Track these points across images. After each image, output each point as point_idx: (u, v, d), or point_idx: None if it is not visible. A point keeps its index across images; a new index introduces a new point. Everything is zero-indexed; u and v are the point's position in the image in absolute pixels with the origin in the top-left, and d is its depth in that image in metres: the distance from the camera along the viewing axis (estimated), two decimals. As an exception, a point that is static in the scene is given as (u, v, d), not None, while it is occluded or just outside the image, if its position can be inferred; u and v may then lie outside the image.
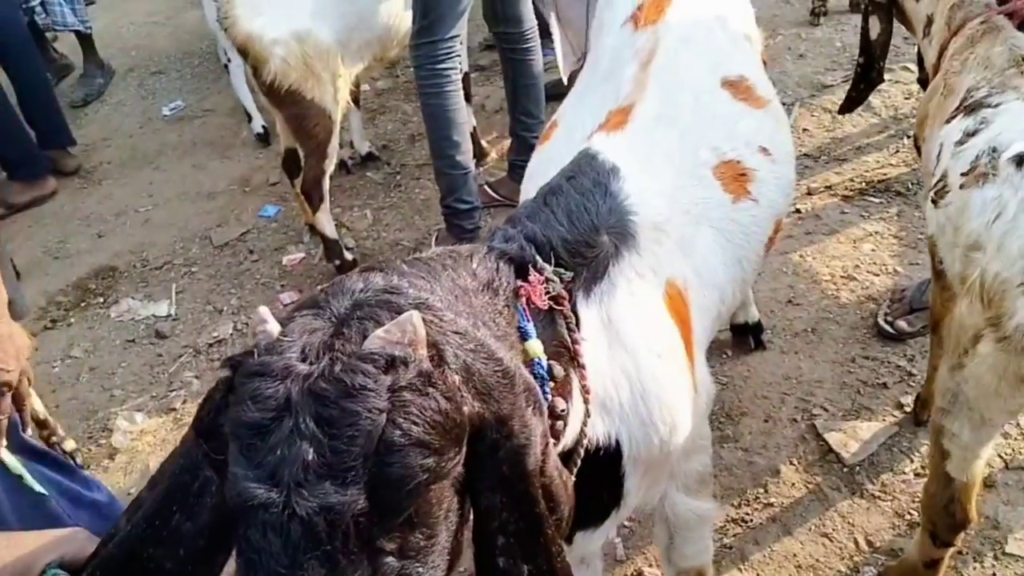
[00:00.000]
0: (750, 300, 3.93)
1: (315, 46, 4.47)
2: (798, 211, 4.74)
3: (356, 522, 1.17)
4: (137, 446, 4.20)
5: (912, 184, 4.80)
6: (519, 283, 1.70)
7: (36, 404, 3.78)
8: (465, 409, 1.29)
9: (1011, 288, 2.13)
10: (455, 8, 4.34)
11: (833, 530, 3.26)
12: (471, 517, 1.40)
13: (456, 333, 1.36)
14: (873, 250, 4.46)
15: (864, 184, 4.90)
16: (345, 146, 5.82)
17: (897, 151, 5.11)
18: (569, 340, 1.77)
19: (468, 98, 5.27)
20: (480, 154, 5.69)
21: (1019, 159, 2.20)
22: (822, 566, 3.16)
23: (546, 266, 1.79)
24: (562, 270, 1.82)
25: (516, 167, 5.20)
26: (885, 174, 4.93)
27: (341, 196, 5.70)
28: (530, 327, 1.66)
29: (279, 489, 1.16)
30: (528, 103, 5.10)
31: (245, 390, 1.22)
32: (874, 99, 5.28)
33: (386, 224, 5.49)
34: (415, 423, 1.20)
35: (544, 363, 1.65)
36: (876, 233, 4.56)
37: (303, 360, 1.23)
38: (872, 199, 4.79)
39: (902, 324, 3.92)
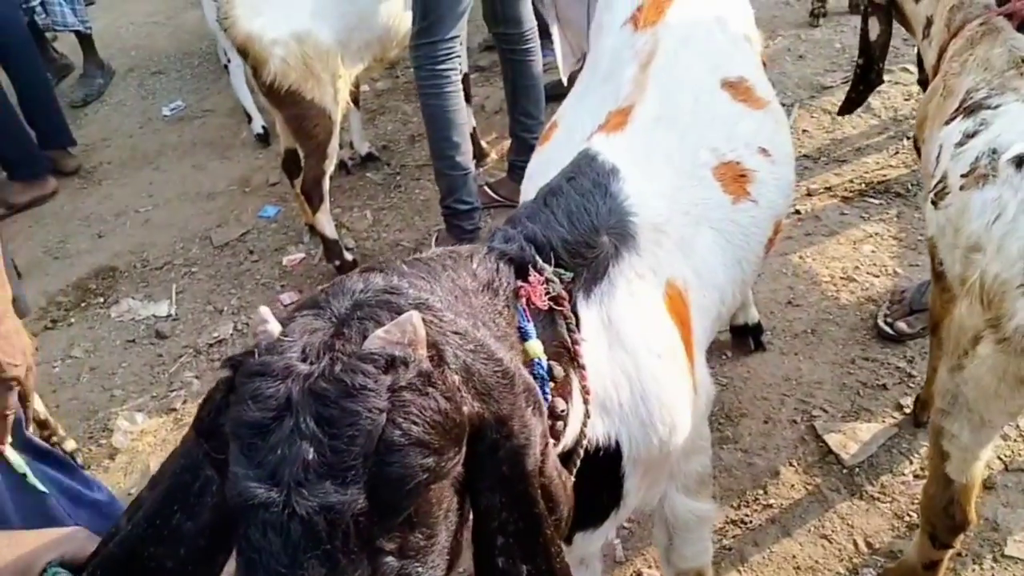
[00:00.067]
0: (750, 301, 3.93)
1: (315, 46, 4.47)
2: (798, 212, 4.74)
3: (356, 522, 1.17)
4: (137, 446, 4.20)
5: (912, 185, 4.80)
6: (519, 283, 1.71)
7: (37, 404, 3.78)
8: (465, 409, 1.29)
9: (1011, 289, 2.14)
10: (455, 9, 4.34)
11: (832, 531, 3.26)
12: (471, 517, 1.40)
13: (456, 333, 1.36)
14: (873, 251, 4.46)
15: (864, 185, 4.90)
16: (345, 147, 5.82)
17: (897, 152, 5.11)
18: (569, 341, 1.77)
19: (468, 99, 5.27)
20: (480, 155, 5.69)
21: (1019, 160, 2.20)
22: (821, 567, 3.16)
23: (546, 266, 1.79)
24: (562, 271, 1.82)
25: (516, 168, 5.20)
26: (885, 175, 4.93)
27: (341, 197, 5.70)
28: (530, 327, 1.66)
29: (279, 488, 1.17)
30: (528, 104, 5.10)
31: (246, 390, 1.23)
32: (873, 100, 5.29)
33: (386, 225, 5.49)
34: (415, 423, 1.20)
35: (544, 363, 1.65)
36: (876, 234, 4.56)
37: (304, 360, 1.24)
38: (872, 200, 4.79)
39: (902, 325, 3.92)
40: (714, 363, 3.91)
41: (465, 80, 4.98)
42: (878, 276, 4.31)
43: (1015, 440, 3.44)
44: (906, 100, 5.52)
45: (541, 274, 1.76)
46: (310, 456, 1.17)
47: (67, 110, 7.11)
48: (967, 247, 2.31)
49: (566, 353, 1.76)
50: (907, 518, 3.25)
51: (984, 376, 2.30)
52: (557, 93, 5.28)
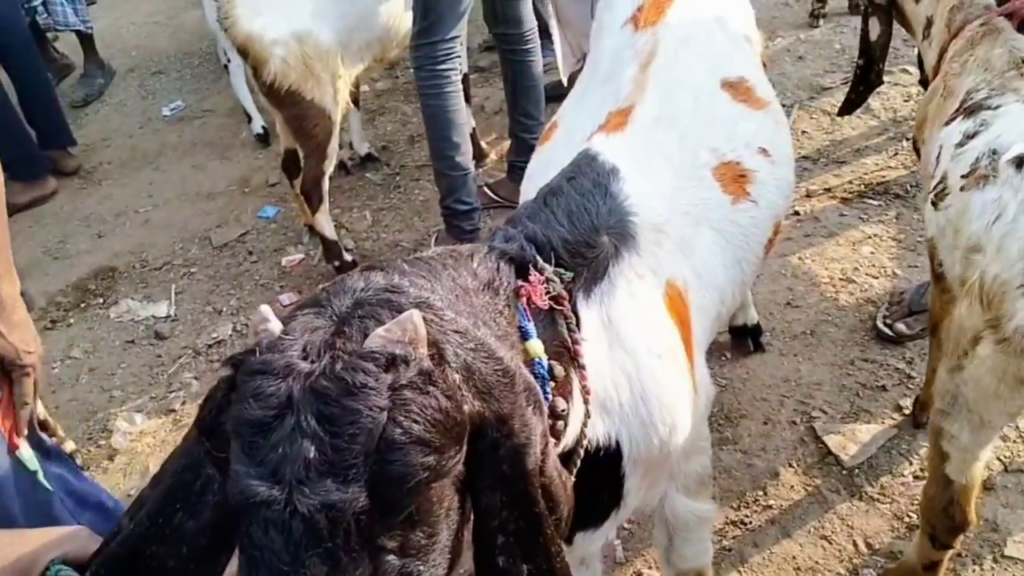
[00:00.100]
0: (749, 302, 3.93)
1: (315, 47, 4.47)
2: (797, 213, 4.74)
3: (357, 520, 1.18)
4: (137, 447, 4.20)
5: (911, 187, 4.80)
6: (520, 283, 1.71)
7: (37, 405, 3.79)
8: (465, 408, 1.29)
9: (1011, 290, 2.14)
10: (455, 9, 4.34)
11: (832, 532, 3.26)
12: (471, 516, 1.40)
13: (456, 332, 1.37)
14: (872, 253, 4.46)
15: (863, 187, 4.90)
16: (344, 147, 5.81)
17: (896, 154, 5.11)
18: (569, 340, 1.77)
19: (467, 99, 5.27)
20: (479, 155, 5.69)
21: (1019, 161, 2.20)
22: (821, 568, 3.16)
23: (546, 266, 1.79)
24: (562, 270, 1.83)
25: (515, 168, 5.20)
26: (884, 176, 4.93)
27: (340, 197, 5.70)
28: (531, 327, 1.66)
29: (281, 486, 1.17)
30: (528, 104, 5.10)
31: (247, 388, 1.23)
32: (873, 101, 5.29)
33: (385, 225, 5.49)
34: (416, 421, 1.21)
35: (545, 363, 1.65)
36: (875, 236, 4.56)
37: (305, 358, 1.24)
38: (871, 202, 4.79)
39: (901, 327, 3.92)
40: (713, 364, 3.91)
41: (465, 81, 4.98)
42: (877, 277, 4.31)
43: (1015, 441, 3.44)
44: (905, 101, 5.53)
45: (541, 273, 1.76)
46: (311, 454, 1.17)
47: (67, 110, 7.11)
48: (967, 248, 2.31)
49: (566, 353, 1.76)
50: (907, 519, 3.25)
51: (984, 377, 2.30)
52: (557, 94, 5.28)
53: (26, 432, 2.24)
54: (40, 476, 2.25)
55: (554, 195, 2.00)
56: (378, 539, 1.21)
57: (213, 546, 1.39)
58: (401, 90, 6.93)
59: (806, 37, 6.53)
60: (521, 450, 1.37)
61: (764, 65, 3.05)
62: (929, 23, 3.18)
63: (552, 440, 1.56)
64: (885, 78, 3.83)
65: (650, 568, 3.24)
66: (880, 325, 3.98)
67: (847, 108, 3.98)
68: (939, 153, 2.62)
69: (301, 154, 4.81)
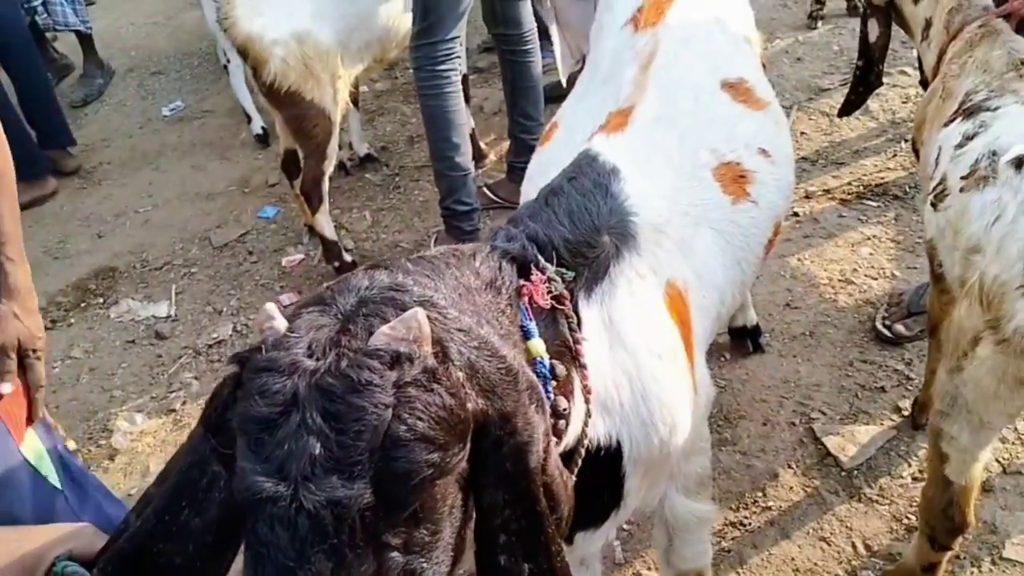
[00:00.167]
0: (748, 303, 3.93)
1: (315, 47, 4.48)
2: (796, 215, 4.75)
3: (362, 516, 1.18)
4: (137, 447, 4.20)
5: (910, 188, 4.81)
6: (521, 282, 1.72)
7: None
8: (469, 405, 1.30)
9: (1010, 291, 2.14)
10: (455, 10, 4.34)
11: (831, 534, 3.26)
12: (473, 515, 1.41)
13: (460, 330, 1.37)
14: (871, 254, 4.47)
15: (862, 188, 4.90)
16: (344, 147, 5.81)
17: (895, 155, 5.12)
18: (571, 340, 1.78)
19: (467, 100, 5.27)
20: (479, 156, 5.68)
21: (1018, 162, 2.21)
22: (820, 570, 3.16)
23: (548, 266, 1.80)
24: (564, 270, 1.83)
25: (515, 169, 5.20)
26: (883, 178, 4.94)
27: (340, 198, 5.70)
28: (532, 326, 1.67)
29: (287, 483, 1.18)
30: (527, 105, 5.10)
31: (253, 385, 1.24)
32: (872, 103, 5.30)
33: (385, 226, 5.49)
34: (420, 419, 1.21)
35: (547, 362, 1.66)
36: (874, 237, 4.57)
37: (310, 356, 1.25)
38: (870, 203, 4.80)
39: (900, 328, 3.92)
40: (713, 365, 3.91)
41: (464, 81, 4.98)
42: (876, 279, 4.32)
43: (1013, 443, 3.45)
44: (904, 103, 5.53)
45: (543, 273, 1.77)
46: (317, 451, 1.17)
47: (67, 110, 7.11)
48: (967, 249, 2.32)
49: (568, 352, 1.77)
50: (906, 520, 3.25)
51: (983, 377, 2.30)
52: (556, 95, 5.27)
53: (40, 414, 2.27)
54: (51, 477, 2.26)
55: (555, 195, 2.00)
56: (382, 536, 1.22)
57: (219, 543, 1.39)
58: (400, 91, 6.93)
59: (804, 39, 6.53)
60: (524, 448, 1.37)
61: (763, 66, 3.05)
62: (928, 24, 3.18)
63: (554, 439, 1.57)
64: (884, 79, 3.83)
65: (649, 569, 3.25)
66: (879, 326, 3.98)
67: (847, 109, 3.98)
68: (938, 154, 2.62)
69: (301, 154, 4.81)
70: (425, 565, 1.27)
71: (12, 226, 2.20)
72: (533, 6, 5.05)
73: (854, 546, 3.21)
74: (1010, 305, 2.15)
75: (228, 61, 6.48)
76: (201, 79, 7.82)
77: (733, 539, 3.31)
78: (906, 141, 5.12)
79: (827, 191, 4.94)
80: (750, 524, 3.34)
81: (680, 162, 2.37)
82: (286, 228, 5.64)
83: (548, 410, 1.55)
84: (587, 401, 1.80)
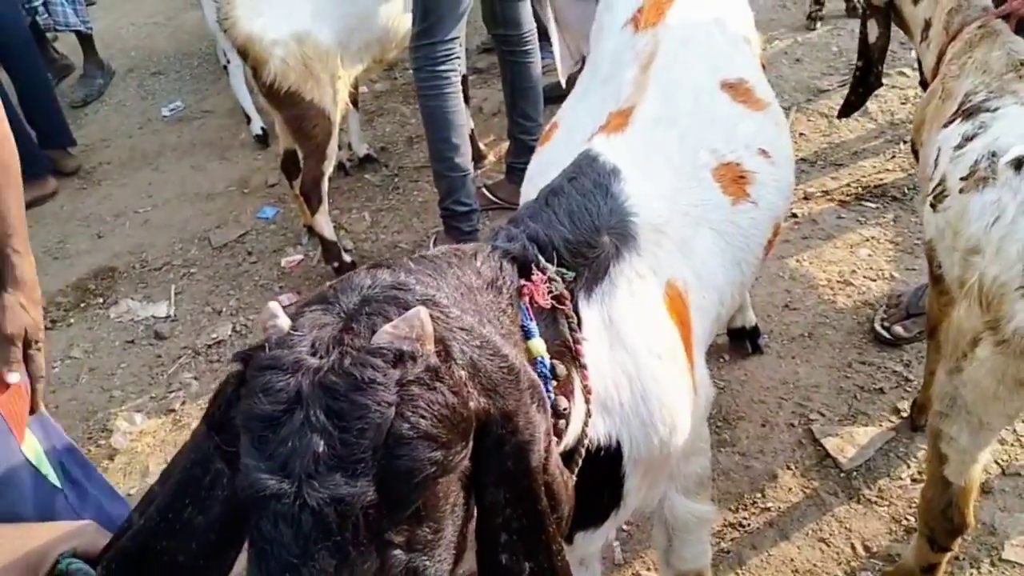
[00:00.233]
0: (747, 304, 3.94)
1: (315, 47, 4.48)
2: (795, 216, 4.75)
3: (366, 514, 1.19)
4: (136, 447, 4.20)
5: (908, 189, 4.81)
6: (522, 282, 1.72)
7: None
8: (471, 404, 1.30)
9: (1009, 291, 2.14)
10: (455, 10, 4.34)
11: (830, 535, 3.26)
12: (475, 514, 1.41)
13: (462, 329, 1.38)
14: (870, 255, 4.47)
15: (861, 189, 4.91)
16: (343, 148, 5.80)
17: (894, 156, 5.12)
18: (571, 340, 1.78)
19: (466, 101, 5.27)
20: (478, 157, 5.68)
21: (1018, 163, 2.21)
22: (819, 571, 3.16)
23: (548, 266, 1.80)
24: (564, 270, 1.84)
25: (514, 170, 5.21)
26: (882, 179, 4.94)
27: (339, 198, 5.70)
28: (533, 326, 1.67)
29: (290, 480, 1.18)
30: (526, 106, 5.10)
31: (257, 383, 1.24)
32: (871, 104, 5.30)
33: (384, 226, 5.49)
34: (423, 417, 1.22)
35: (547, 362, 1.66)
36: (873, 238, 4.57)
37: (313, 354, 1.25)
38: (869, 204, 4.80)
39: (899, 329, 3.92)
40: (711, 366, 3.91)
41: (463, 82, 4.98)
42: (875, 280, 4.32)
43: (1012, 444, 3.45)
44: (903, 104, 5.54)
45: (544, 273, 1.77)
46: (320, 448, 1.18)
47: (67, 110, 7.10)
48: (966, 249, 2.32)
49: (568, 352, 1.77)
50: (905, 522, 3.25)
51: (983, 378, 2.30)
52: (555, 95, 5.28)
53: (41, 407, 2.30)
54: (45, 471, 2.27)
55: (555, 195, 2.01)
56: (385, 533, 1.22)
57: (222, 541, 1.40)
58: (400, 91, 6.94)
59: (803, 40, 6.54)
60: (525, 447, 1.38)
61: (762, 67, 3.05)
62: (927, 25, 3.19)
63: (554, 439, 1.57)
64: (883, 80, 3.84)
65: (648, 570, 3.25)
66: (878, 328, 3.98)
67: (846, 110, 3.98)
68: (938, 155, 2.62)
69: (300, 155, 4.82)
70: (427, 563, 1.28)
71: (18, 219, 2.25)
72: (533, 7, 5.06)
73: (853, 547, 3.21)
74: (1009, 306, 2.15)
75: (228, 61, 6.48)
76: (201, 79, 7.82)
77: (732, 540, 3.31)
78: (905, 142, 5.12)
79: (826, 192, 4.94)
80: (749, 525, 3.35)
81: (680, 162, 2.37)
82: (285, 228, 5.64)
83: (549, 409, 1.55)
84: (587, 401, 1.80)
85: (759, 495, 3.44)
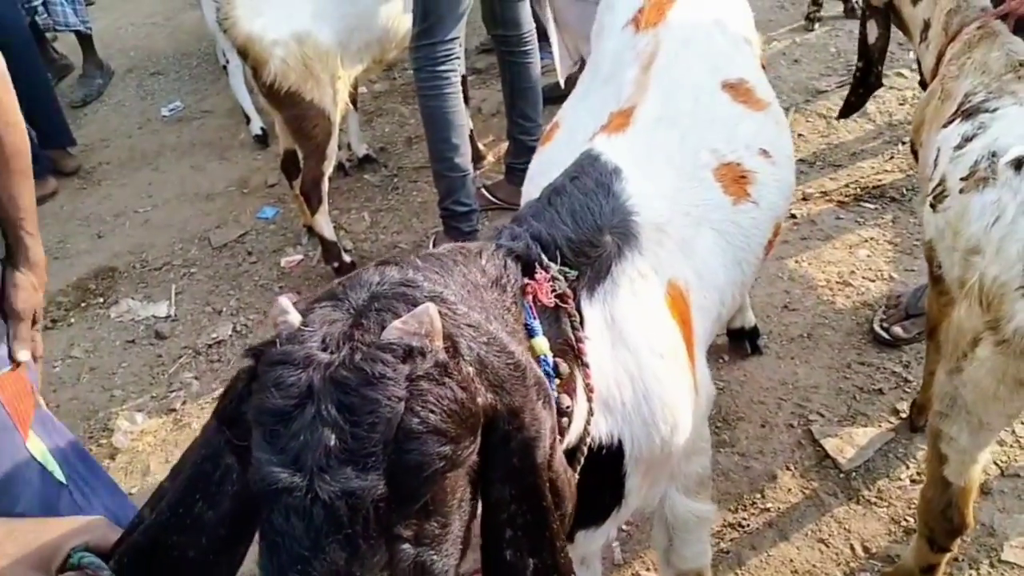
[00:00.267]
0: (747, 305, 3.94)
1: (315, 47, 4.49)
2: (794, 216, 4.75)
3: (376, 507, 1.19)
4: (137, 446, 4.20)
5: (907, 190, 4.82)
6: (526, 280, 1.73)
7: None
8: (479, 400, 1.31)
9: (1010, 291, 2.15)
10: (455, 10, 4.35)
11: (830, 536, 3.27)
12: (479, 511, 1.42)
13: (469, 326, 1.38)
14: (869, 256, 4.48)
15: (859, 190, 4.91)
16: (342, 148, 5.80)
17: (892, 157, 5.13)
18: (573, 338, 1.78)
19: (465, 101, 5.27)
20: (477, 157, 5.68)
21: (1017, 163, 2.22)
22: (819, 571, 3.17)
23: (552, 264, 1.81)
24: (567, 269, 1.84)
25: (513, 170, 5.21)
26: (880, 180, 4.95)
27: (338, 198, 5.71)
28: (536, 324, 1.68)
29: (302, 474, 1.19)
30: (526, 106, 5.11)
31: (268, 378, 1.25)
32: (869, 105, 5.30)
33: (384, 226, 5.50)
34: (432, 411, 1.22)
35: (550, 360, 1.67)
36: (871, 239, 4.58)
37: (324, 349, 1.26)
38: (867, 205, 4.81)
39: (898, 330, 3.93)
40: (711, 367, 3.87)
41: (463, 82, 4.98)
42: (874, 281, 4.33)
43: (1011, 446, 3.46)
44: (901, 105, 5.55)
45: (547, 272, 1.78)
46: (332, 442, 1.18)
47: (67, 110, 7.10)
48: (966, 250, 2.33)
49: (570, 351, 1.77)
50: (904, 522, 3.26)
51: (983, 378, 2.31)
52: (555, 96, 5.29)
53: (41, 402, 2.34)
54: (51, 468, 2.28)
55: (558, 194, 2.01)
56: (394, 527, 1.23)
57: (232, 537, 1.40)
58: (399, 91, 6.95)
59: (801, 40, 6.55)
60: (531, 443, 1.39)
61: (763, 67, 3.06)
62: (926, 26, 3.20)
63: (558, 436, 1.57)
64: (882, 81, 3.84)
65: (648, 570, 3.25)
66: (877, 328, 3.99)
67: (846, 111, 3.99)
68: (937, 155, 2.63)
69: (300, 155, 4.82)
70: (435, 557, 1.28)
71: (29, 202, 2.30)
72: (532, 7, 5.06)
73: (852, 548, 3.22)
74: (1010, 306, 2.15)
75: (227, 62, 6.49)
76: (200, 79, 7.83)
77: (732, 540, 3.31)
78: (903, 143, 5.13)
79: (824, 193, 4.95)
80: (748, 526, 3.35)
81: (681, 162, 2.37)
82: (285, 229, 5.65)
83: (555, 407, 1.56)
84: (589, 400, 1.81)
85: (758, 496, 3.44)
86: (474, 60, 6.91)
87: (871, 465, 3.49)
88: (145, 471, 4.03)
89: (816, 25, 6.64)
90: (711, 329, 2.46)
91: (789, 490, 3.45)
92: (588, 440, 1.82)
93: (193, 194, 6.22)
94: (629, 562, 3.29)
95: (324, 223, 4.90)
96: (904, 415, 3.63)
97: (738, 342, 4.08)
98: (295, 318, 1.32)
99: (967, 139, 2.49)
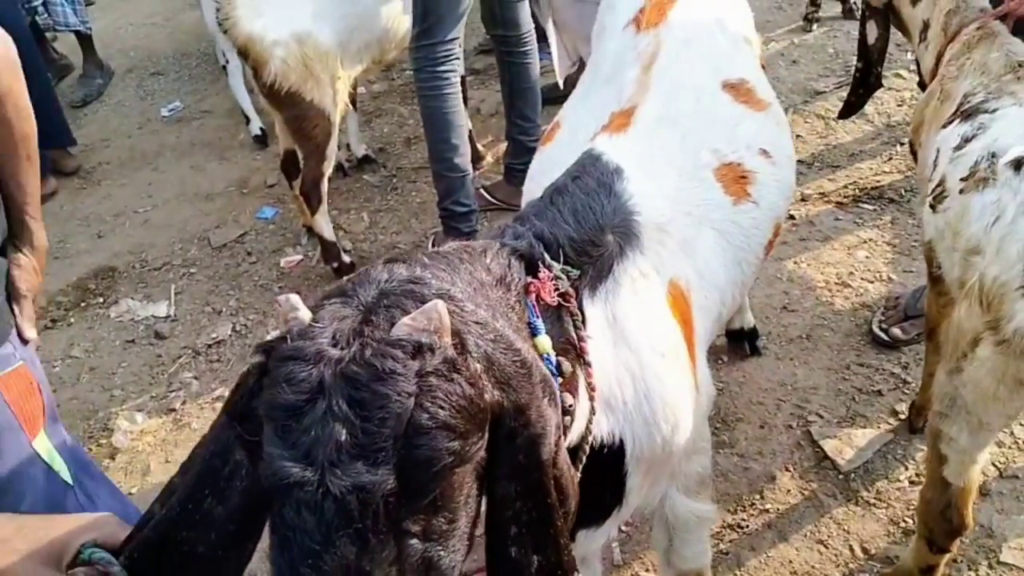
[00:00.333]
0: (746, 306, 3.95)
1: (315, 48, 4.50)
2: (792, 217, 4.76)
3: (386, 502, 1.20)
4: (137, 446, 4.20)
5: (905, 191, 4.83)
6: (529, 279, 1.73)
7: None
8: (487, 396, 1.32)
9: (1010, 291, 2.15)
10: (454, 11, 4.36)
11: (829, 537, 3.27)
12: (484, 509, 1.42)
13: (477, 323, 1.39)
14: (867, 257, 4.48)
15: (858, 191, 4.92)
16: (341, 149, 5.79)
17: (890, 158, 5.14)
18: (576, 338, 1.79)
19: (464, 101, 5.27)
20: (476, 157, 5.67)
21: (1017, 163, 2.23)
22: (817, 573, 3.17)
23: (554, 263, 1.81)
24: (569, 268, 1.85)
25: (512, 171, 5.22)
26: (879, 181, 4.96)
27: (338, 199, 5.71)
28: (539, 323, 1.68)
29: (314, 468, 1.20)
30: (525, 107, 5.12)
31: (279, 373, 1.25)
32: (867, 106, 5.29)
33: (383, 227, 5.50)
34: (442, 407, 1.23)
35: (553, 359, 1.67)
36: (870, 240, 4.58)
37: (335, 345, 1.27)
38: (866, 206, 4.82)
39: (896, 331, 3.93)
40: (710, 367, 3.89)
41: (462, 83, 4.99)
42: (872, 282, 4.33)
43: (1009, 447, 3.46)
44: (899, 106, 5.56)
45: (550, 271, 1.78)
46: (343, 437, 1.19)
47: (67, 110, 7.09)
48: (966, 250, 2.33)
49: (572, 350, 1.78)
50: (903, 523, 3.26)
51: (983, 378, 2.31)
52: (553, 96, 5.31)
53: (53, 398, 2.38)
54: (57, 467, 2.29)
55: (560, 194, 2.02)
56: (403, 522, 1.24)
57: (241, 532, 1.41)
58: (398, 92, 6.95)
59: (800, 41, 6.56)
60: (537, 440, 1.39)
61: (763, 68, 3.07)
62: (926, 27, 3.20)
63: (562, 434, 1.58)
64: (882, 82, 3.85)
65: (648, 571, 3.25)
66: (876, 330, 3.99)
67: (846, 112, 4.00)
68: (937, 156, 2.64)
69: (300, 155, 4.83)
70: (442, 553, 1.29)
71: (35, 187, 2.37)
72: (531, 8, 5.07)
73: (851, 549, 3.22)
74: (1010, 306, 2.16)
75: (227, 62, 6.49)
76: (200, 80, 7.83)
77: (731, 542, 3.32)
78: (902, 144, 5.14)
79: (823, 194, 4.96)
80: (748, 527, 3.35)
81: (682, 162, 2.38)
82: (285, 229, 5.65)
83: (560, 404, 1.56)
84: (591, 399, 1.81)
85: (757, 497, 3.45)
86: (473, 61, 6.91)
87: (870, 466, 3.49)
88: (145, 471, 4.04)
89: (814, 26, 6.65)
90: (712, 329, 2.47)
91: (788, 491, 3.45)
92: (590, 439, 1.83)
93: (193, 194, 6.22)
94: (628, 563, 3.30)
95: (324, 223, 4.91)
96: (903, 416, 3.63)
97: (737, 343, 4.08)
98: (305, 314, 1.33)
99: (966, 140, 2.50)
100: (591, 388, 1.80)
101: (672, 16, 2.73)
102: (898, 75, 5.78)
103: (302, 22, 4.48)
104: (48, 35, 7.87)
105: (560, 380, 1.68)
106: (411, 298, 1.36)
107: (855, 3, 6.42)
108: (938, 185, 2.55)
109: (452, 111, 4.52)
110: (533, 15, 5.10)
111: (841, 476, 3.47)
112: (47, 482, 2.26)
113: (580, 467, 1.79)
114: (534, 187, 2.37)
